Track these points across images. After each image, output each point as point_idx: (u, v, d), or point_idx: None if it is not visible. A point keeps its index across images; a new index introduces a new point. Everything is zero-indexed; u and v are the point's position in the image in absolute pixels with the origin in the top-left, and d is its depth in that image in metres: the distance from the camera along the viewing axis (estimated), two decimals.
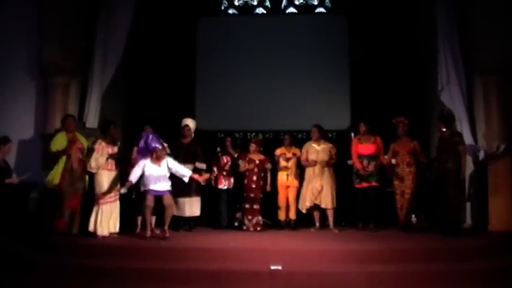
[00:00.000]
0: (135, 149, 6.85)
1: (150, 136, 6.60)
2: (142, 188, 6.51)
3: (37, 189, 7.01)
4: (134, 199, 6.88)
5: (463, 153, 6.55)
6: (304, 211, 7.32)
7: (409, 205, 6.95)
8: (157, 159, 6.46)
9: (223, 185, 7.61)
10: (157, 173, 6.43)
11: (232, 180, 7.65)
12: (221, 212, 7.60)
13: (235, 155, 7.70)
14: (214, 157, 7.73)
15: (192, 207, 7.25)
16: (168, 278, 5.16)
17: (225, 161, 7.65)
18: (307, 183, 7.32)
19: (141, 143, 6.66)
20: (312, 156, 7.31)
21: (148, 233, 6.39)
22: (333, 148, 7.42)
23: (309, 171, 7.35)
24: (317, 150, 7.35)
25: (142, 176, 6.44)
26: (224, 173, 7.61)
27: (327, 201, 7.25)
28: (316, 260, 5.49)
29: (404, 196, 6.97)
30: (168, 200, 6.46)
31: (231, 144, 7.87)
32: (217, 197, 7.62)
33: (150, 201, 6.38)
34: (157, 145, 6.51)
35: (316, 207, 7.32)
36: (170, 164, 6.56)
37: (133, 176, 6.39)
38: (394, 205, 7.12)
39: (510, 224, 6.63)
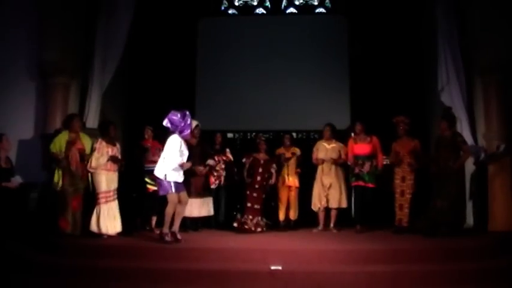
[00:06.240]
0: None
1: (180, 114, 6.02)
2: (167, 177, 5.94)
3: (37, 189, 6.99)
4: (134, 199, 6.86)
5: (466, 151, 6.59)
6: (316, 210, 7.30)
7: (410, 205, 6.92)
8: (192, 137, 6.05)
9: (214, 184, 7.52)
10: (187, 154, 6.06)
11: (222, 178, 7.55)
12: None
13: (228, 154, 7.63)
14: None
15: (202, 207, 7.16)
16: (169, 278, 5.17)
17: (217, 160, 7.55)
18: (317, 182, 7.32)
19: (176, 119, 5.96)
20: (321, 155, 7.32)
21: (169, 235, 5.95)
22: (342, 148, 7.40)
23: (318, 170, 7.35)
24: (327, 149, 7.34)
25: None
26: (215, 173, 7.52)
27: (336, 201, 7.24)
28: (316, 260, 5.50)
29: (405, 196, 6.95)
30: (186, 197, 6.19)
31: (220, 142, 7.76)
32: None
33: (175, 198, 6.00)
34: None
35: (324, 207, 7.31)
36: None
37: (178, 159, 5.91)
38: (392, 204, 7.08)
39: (510, 224, 6.62)
